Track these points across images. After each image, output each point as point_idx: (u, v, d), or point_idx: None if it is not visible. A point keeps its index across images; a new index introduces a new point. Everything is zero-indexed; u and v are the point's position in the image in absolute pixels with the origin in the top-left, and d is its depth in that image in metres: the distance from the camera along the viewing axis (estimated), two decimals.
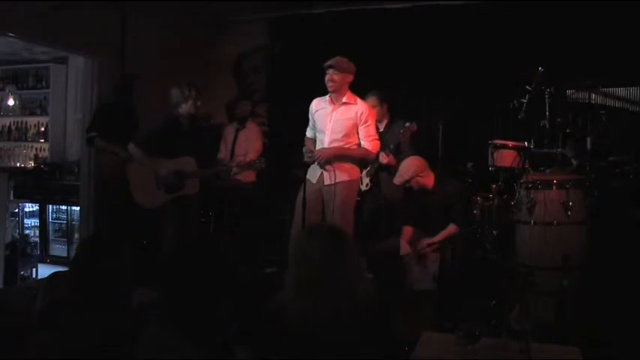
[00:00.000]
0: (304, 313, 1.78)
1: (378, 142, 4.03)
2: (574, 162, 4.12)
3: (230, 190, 4.96)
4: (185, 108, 4.33)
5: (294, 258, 1.90)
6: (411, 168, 4.09)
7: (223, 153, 5.23)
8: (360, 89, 4.18)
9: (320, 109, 4.00)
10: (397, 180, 4.13)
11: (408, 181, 4.09)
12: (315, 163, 3.94)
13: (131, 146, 4.30)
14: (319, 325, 1.76)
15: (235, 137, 5.22)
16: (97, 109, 4.88)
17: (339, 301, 1.78)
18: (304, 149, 3.97)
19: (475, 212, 4.08)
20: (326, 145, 3.93)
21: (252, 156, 4.90)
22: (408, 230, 4.22)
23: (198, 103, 4.39)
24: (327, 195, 3.90)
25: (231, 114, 5.51)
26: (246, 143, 5.17)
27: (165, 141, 4.30)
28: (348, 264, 1.84)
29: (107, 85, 5.00)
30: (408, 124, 4.37)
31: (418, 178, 4.08)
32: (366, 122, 3.92)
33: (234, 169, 4.57)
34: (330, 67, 3.82)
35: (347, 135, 3.91)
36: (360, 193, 4.60)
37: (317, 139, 4.04)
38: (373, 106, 4.62)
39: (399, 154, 4.44)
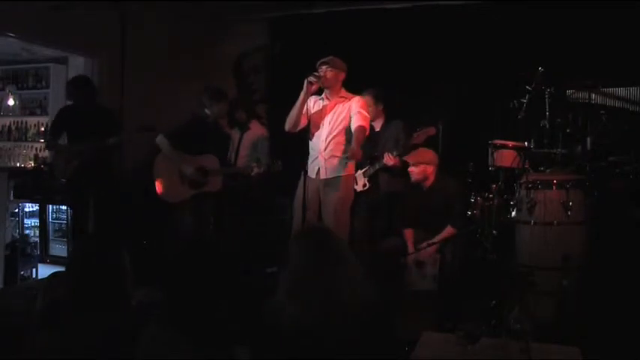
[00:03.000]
0: (296, 314, 1.79)
1: (368, 120, 4.01)
2: (575, 162, 4.12)
3: (230, 189, 4.97)
4: (215, 112, 4.52)
5: (286, 260, 1.92)
6: (426, 156, 4.17)
7: (230, 155, 5.26)
8: (359, 89, 4.19)
9: (317, 106, 4.04)
10: (412, 159, 4.19)
11: (424, 166, 4.14)
12: (314, 160, 3.95)
13: (160, 138, 4.45)
14: (312, 326, 1.76)
15: (240, 139, 5.27)
16: (55, 114, 4.88)
17: (329, 302, 1.78)
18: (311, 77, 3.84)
19: (475, 212, 4.08)
20: (323, 139, 3.95)
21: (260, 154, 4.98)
22: (409, 233, 4.22)
23: (225, 108, 4.63)
24: (324, 190, 3.93)
25: (232, 120, 5.53)
26: (253, 142, 5.22)
27: (192, 139, 4.45)
28: (336, 265, 1.84)
29: (108, 85, 4.99)
30: (423, 128, 4.37)
31: (432, 167, 4.16)
32: (357, 108, 3.93)
33: (254, 170, 4.61)
34: (324, 63, 3.89)
35: (344, 128, 3.94)
36: (355, 193, 4.58)
37: (314, 136, 4.04)
38: (367, 105, 4.62)
39: (403, 157, 4.45)
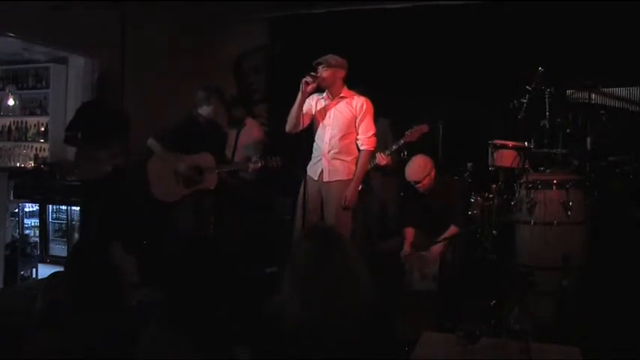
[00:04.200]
0: (299, 314, 1.78)
1: (375, 139, 3.98)
2: (575, 162, 4.12)
3: (230, 188, 4.98)
4: (206, 111, 4.48)
5: (290, 260, 1.91)
6: (427, 165, 4.12)
7: (227, 153, 5.26)
8: (360, 88, 4.18)
9: (318, 105, 3.98)
10: (412, 177, 4.12)
11: (421, 180, 4.09)
12: (317, 161, 3.93)
13: (150, 140, 4.42)
14: (314, 326, 1.76)
15: (237, 136, 5.28)
16: (77, 109, 4.85)
17: (333, 302, 1.78)
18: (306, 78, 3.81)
19: (475, 212, 4.08)
20: (326, 140, 3.89)
21: (250, 153, 4.97)
22: (410, 232, 4.22)
23: (220, 110, 4.59)
24: (326, 193, 3.90)
25: (229, 117, 5.53)
26: (247, 140, 5.23)
27: (184, 138, 4.43)
28: (340, 266, 1.84)
29: (96, 84, 4.99)
30: (416, 126, 4.35)
31: (432, 175, 4.11)
32: (365, 115, 3.89)
33: (251, 166, 4.61)
34: (319, 63, 3.84)
35: (347, 129, 3.89)
36: None
37: (316, 135, 3.99)
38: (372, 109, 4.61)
39: (397, 155, 4.44)
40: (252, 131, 5.31)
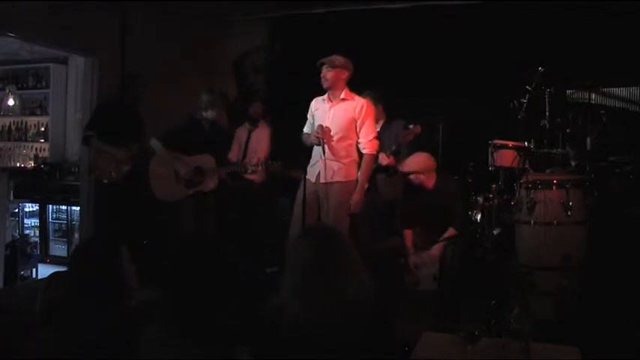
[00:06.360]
0: (299, 314, 1.78)
1: (377, 142, 3.95)
2: (573, 162, 4.12)
3: (234, 190, 4.99)
4: (210, 114, 4.54)
5: (289, 260, 1.91)
6: (429, 159, 4.11)
7: (235, 153, 5.25)
8: (360, 89, 4.18)
9: (319, 107, 3.97)
10: (405, 168, 4.12)
11: (422, 171, 4.08)
12: (314, 163, 3.91)
13: (153, 141, 4.48)
14: (314, 326, 1.76)
15: (248, 137, 5.27)
16: (95, 108, 4.87)
17: (333, 302, 1.78)
18: (306, 137, 3.97)
19: (475, 212, 4.08)
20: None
21: (260, 156, 4.97)
22: (408, 233, 4.22)
23: (223, 113, 4.70)
24: (323, 194, 3.87)
25: (245, 114, 5.51)
26: (258, 143, 5.22)
27: (187, 139, 4.48)
28: (341, 266, 1.84)
29: (108, 85, 4.99)
30: (411, 126, 4.35)
31: (427, 174, 4.09)
32: (365, 118, 3.85)
33: (250, 169, 4.62)
34: (322, 64, 3.82)
35: (346, 131, 3.85)
36: None
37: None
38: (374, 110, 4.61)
39: (397, 155, 4.44)
40: (262, 133, 5.30)
